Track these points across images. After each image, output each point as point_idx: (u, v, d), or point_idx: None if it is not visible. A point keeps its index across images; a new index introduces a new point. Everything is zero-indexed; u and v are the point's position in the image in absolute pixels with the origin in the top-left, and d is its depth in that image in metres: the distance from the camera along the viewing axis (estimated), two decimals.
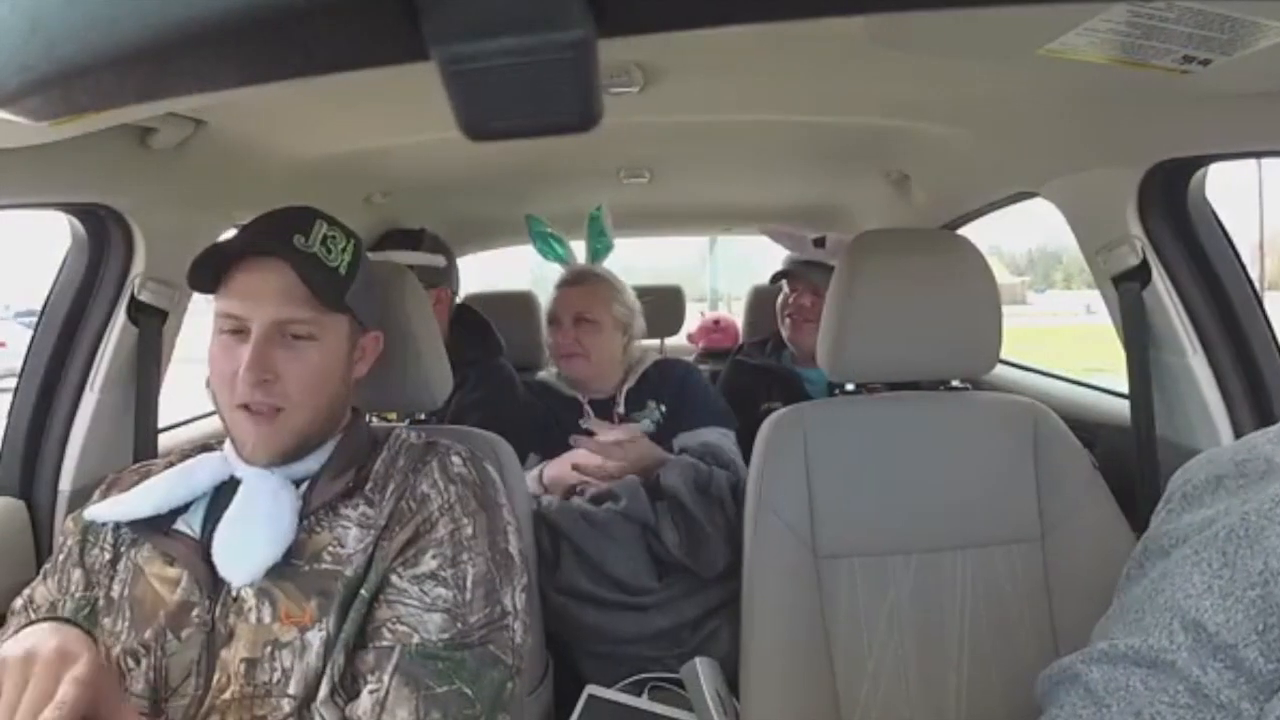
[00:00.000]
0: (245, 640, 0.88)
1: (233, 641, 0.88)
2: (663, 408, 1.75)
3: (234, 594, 0.90)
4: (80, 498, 1.03)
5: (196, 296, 1.42)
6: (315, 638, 0.87)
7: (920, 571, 1.21)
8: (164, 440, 1.50)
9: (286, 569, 0.90)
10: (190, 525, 0.96)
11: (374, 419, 1.29)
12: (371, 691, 0.84)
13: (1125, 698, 0.63)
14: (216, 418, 0.99)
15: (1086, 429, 1.54)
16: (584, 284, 1.84)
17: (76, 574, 0.95)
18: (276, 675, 0.87)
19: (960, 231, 1.99)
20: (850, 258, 1.29)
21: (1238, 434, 1.26)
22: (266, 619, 0.88)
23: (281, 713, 0.86)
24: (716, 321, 3.33)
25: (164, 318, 1.41)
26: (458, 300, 2.09)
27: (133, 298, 1.36)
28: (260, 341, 0.92)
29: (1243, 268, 1.31)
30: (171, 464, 1.03)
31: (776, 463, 1.25)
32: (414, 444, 1.04)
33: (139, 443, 1.42)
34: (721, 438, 1.67)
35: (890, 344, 1.27)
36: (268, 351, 0.92)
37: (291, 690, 0.86)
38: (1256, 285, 1.31)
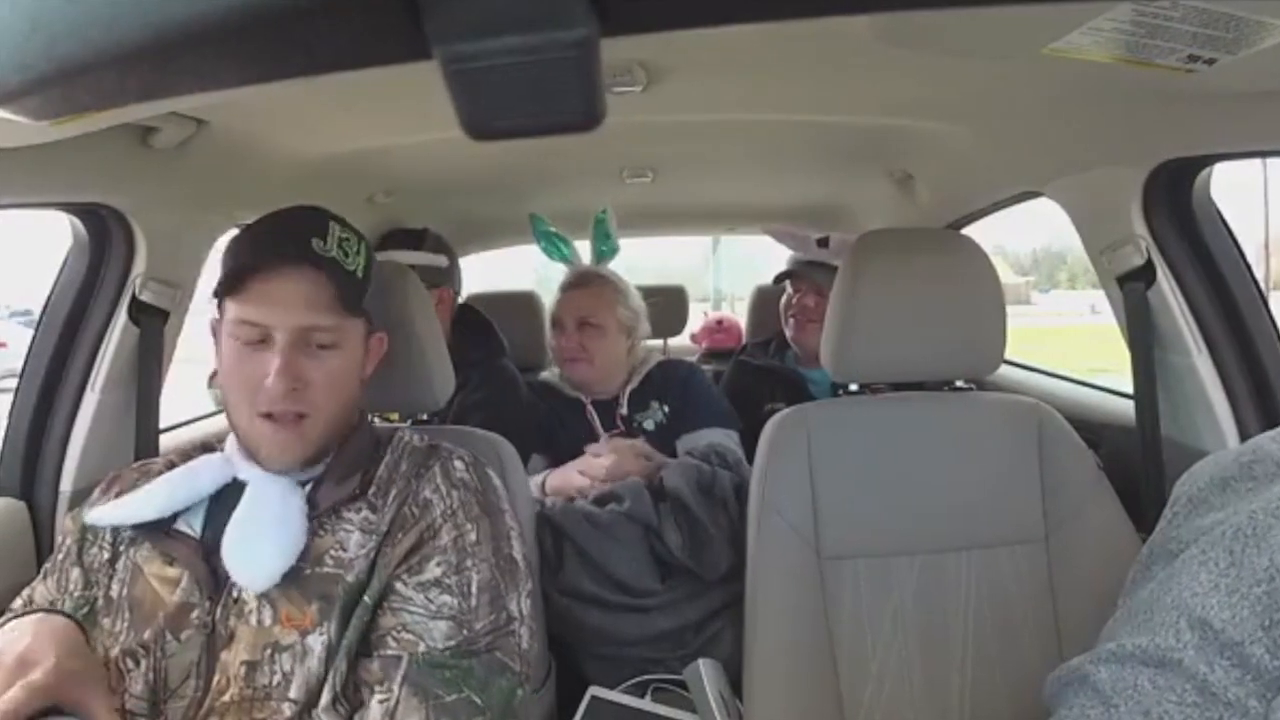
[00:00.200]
0: (245, 642, 0.88)
1: (233, 644, 0.88)
2: (666, 409, 1.75)
3: (235, 596, 0.90)
4: (81, 498, 1.03)
5: (198, 296, 1.42)
6: (316, 642, 0.87)
7: (924, 572, 1.20)
8: (165, 441, 1.50)
9: (289, 571, 0.90)
10: (191, 525, 0.95)
11: (376, 419, 1.29)
12: (381, 701, 0.84)
13: (1133, 697, 0.63)
14: (217, 418, 0.98)
15: (1091, 429, 1.54)
16: (588, 287, 1.82)
17: (75, 573, 0.95)
18: (277, 679, 0.86)
19: (964, 231, 1.99)
20: (854, 257, 1.29)
21: (1243, 434, 1.25)
22: (267, 621, 0.88)
23: (282, 716, 0.85)
24: (720, 322, 3.32)
25: (165, 318, 1.41)
26: (460, 300, 2.08)
27: (134, 298, 1.36)
28: (288, 349, 0.91)
29: (1248, 267, 1.30)
30: (172, 463, 1.03)
31: (780, 463, 1.24)
32: (417, 447, 1.04)
33: (140, 443, 1.41)
34: (725, 438, 1.67)
35: (894, 344, 1.26)
36: (295, 359, 0.92)
37: (293, 694, 0.86)
38: (1262, 285, 1.30)
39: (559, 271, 1.96)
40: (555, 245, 1.98)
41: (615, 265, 1.97)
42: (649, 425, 1.73)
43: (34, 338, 1.38)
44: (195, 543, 0.94)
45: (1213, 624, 0.61)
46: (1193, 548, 0.67)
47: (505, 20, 0.29)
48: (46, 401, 1.36)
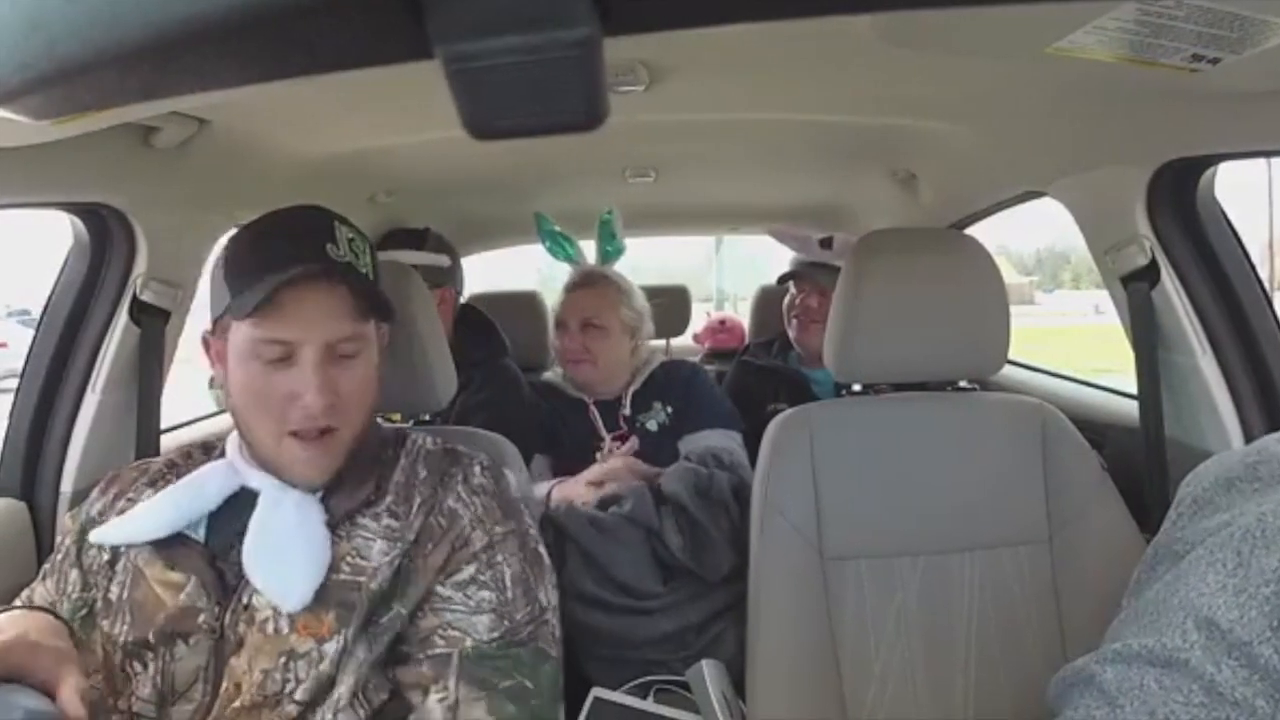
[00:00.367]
0: (259, 650, 0.86)
1: (243, 649, 0.87)
2: (669, 409, 1.74)
3: (245, 602, 0.88)
4: (82, 499, 1.03)
5: (199, 296, 1.42)
6: (331, 648, 0.86)
7: (927, 573, 1.20)
8: (166, 441, 1.50)
9: None
10: (194, 530, 0.94)
11: (380, 420, 1.29)
12: (440, 699, 0.85)
13: (1139, 697, 0.63)
14: (218, 418, 0.97)
15: (1095, 430, 1.53)
16: (592, 288, 1.82)
17: (74, 574, 0.94)
18: (290, 685, 0.85)
19: (967, 231, 1.98)
20: (857, 257, 1.29)
21: (1247, 435, 1.25)
22: (284, 629, 0.87)
23: (290, 717, 0.85)
24: (722, 322, 3.32)
25: (166, 318, 1.41)
26: (462, 300, 2.08)
27: (135, 298, 1.36)
28: (321, 365, 0.89)
29: (1252, 268, 1.30)
30: (173, 463, 1.02)
31: (783, 464, 1.24)
32: (432, 450, 1.03)
33: (141, 443, 1.41)
34: (726, 440, 1.66)
35: (897, 344, 1.26)
36: (327, 373, 0.89)
37: (299, 697, 0.85)
38: (1266, 285, 1.30)
39: (562, 271, 1.96)
40: (560, 245, 1.97)
41: (619, 264, 1.96)
42: (651, 426, 1.72)
43: (34, 338, 1.38)
44: (200, 548, 0.92)
45: (1220, 624, 0.61)
46: (1199, 548, 0.67)
47: (507, 19, 0.29)
48: (47, 402, 1.36)
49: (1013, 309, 1.31)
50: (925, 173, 1.96)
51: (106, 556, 0.94)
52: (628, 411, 1.75)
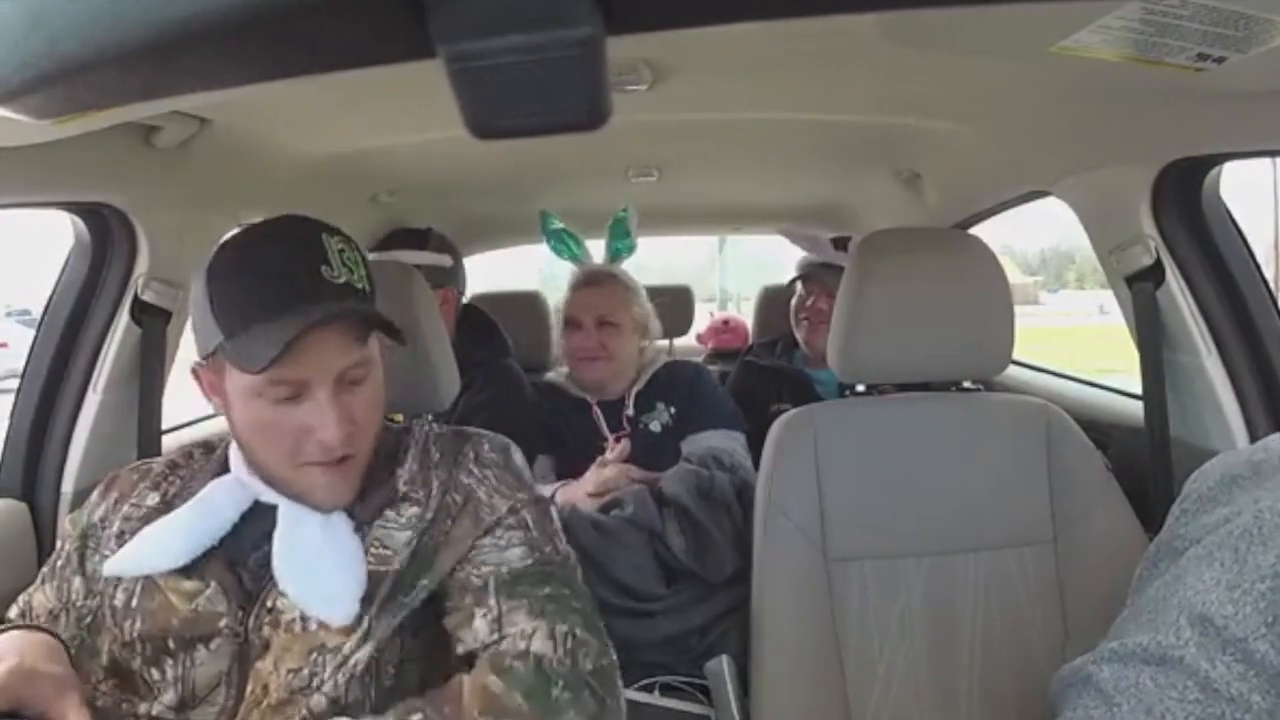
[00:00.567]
0: (286, 650, 0.85)
1: (268, 652, 0.86)
2: (672, 410, 1.74)
3: (270, 605, 0.87)
4: (83, 500, 1.02)
5: None
6: (356, 633, 0.86)
7: (932, 574, 1.20)
8: (168, 441, 1.49)
9: None
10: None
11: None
12: (484, 615, 0.86)
13: (1135, 695, 0.63)
14: (221, 419, 0.95)
15: (1100, 430, 1.53)
16: (604, 285, 1.82)
17: (77, 582, 0.93)
18: (317, 680, 0.85)
19: (972, 231, 1.98)
20: (860, 257, 1.28)
21: (1252, 435, 1.25)
22: (313, 626, 0.86)
23: (319, 707, 0.84)
24: (726, 322, 3.32)
25: (168, 318, 1.41)
26: (464, 300, 2.08)
27: (136, 298, 1.36)
28: (333, 397, 0.86)
29: (1258, 268, 1.30)
30: (174, 463, 1.00)
31: (786, 464, 1.24)
32: (441, 433, 1.03)
33: (142, 444, 1.41)
34: (728, 441, 1.66)
35: (901, 344, 1.26)
36: (341, 403, 0.87)
37: (327, 689, 0.84)
38: (1272, 285, 1.30)
39: (564, 270, 1.95)
40: (565, 243, 1.97)
41: (623, 264, 1.96)
42: (655, 427, 1.72)
43: (35, 338, 1.37)
44: (219, 553, 0.90)
45: (1214, 620, 0.61)
46: (1198, 546, 0.67)
47: (510, 19, 0.28)
48: (48, 402, 1.36)
49: (1017, 309, 1.30)
50: (929, 172, 1.96)
51: None
52: (631, 412, 1.75)
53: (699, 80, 1.28)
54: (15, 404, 1.36)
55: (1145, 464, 1.35)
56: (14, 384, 1.38)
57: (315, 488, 0.89)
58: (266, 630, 0.87)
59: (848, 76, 1.26)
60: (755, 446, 1.46)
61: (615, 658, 0.91)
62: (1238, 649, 0.60)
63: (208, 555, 0.90)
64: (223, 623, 0.87)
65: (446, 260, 1.92)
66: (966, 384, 1.33)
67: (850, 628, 1.17)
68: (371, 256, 0.99)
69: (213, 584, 0.88)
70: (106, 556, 0.92)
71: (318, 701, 0.85)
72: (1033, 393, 1.57)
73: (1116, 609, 0.74)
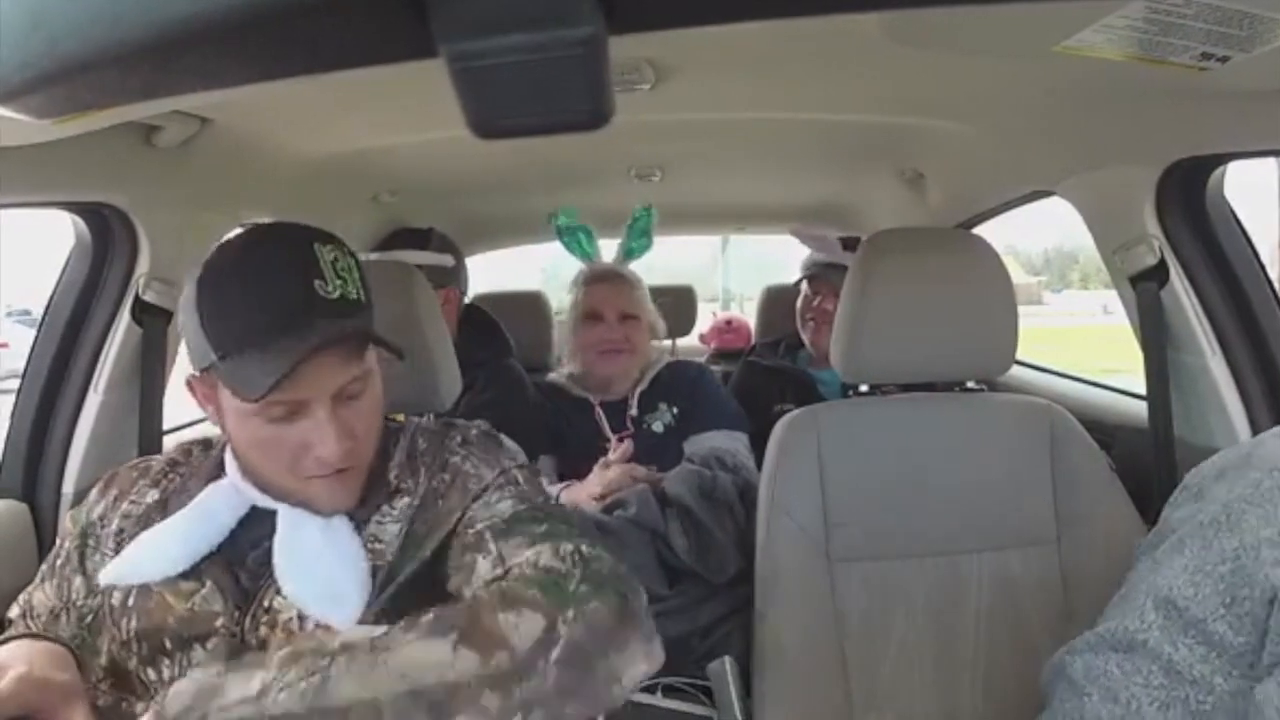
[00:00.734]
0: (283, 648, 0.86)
1: (265, 651, 0.85)
2: (675, 410, 1.74)
3: (267, 605, 0.87)
4: (83, 499, 1.02)
5: None
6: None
7: (935, 574, 1.20)
8: (169, 441, 1.49)
9: None
10: None
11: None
12: (485, 556, 0.85)
13: (1103, 684, 0.66)
14: None
15: (1104, 430, 1.53)
16: (622, 281, 1.85)
17: (78, 581, 0.93)
18: None
19: (975, 231, 1.98)
20: (864, 257, 1.28)
21: (1256, 435, 1.24)
22: (310, 625, 0.86)
23: None
24: (729, 322, 3.32)
25: (169, 318, 1.40)
26: (466, 300, 2.08)
27: (137, 297, 1.35)
28: (334, 414, 0.85)
29: (1262, 268, 1.30)
30: (174, 460, 1.00)
31: (789, 465, 1.24)
32: (427, 425, 1.03)
33: (143, 444, 1.41)
34: (731, 441, 1.66)
35: (904, 344, 1.26)
36: (341, 418, 0.86)
37: None
38: (1276, 285, 1.29)
39: (567, 271, 1.96)
40: (579, 241, 1.97)
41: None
42: (658, 427, 1.72)
43: (36, 338, 1.37)
44: (215, 555, 0.90)
45: (1177, 603, 0.63)
46: (1173, 535, 0.69)
47: (512, 18, 0.28)
48: (49, 402, 1.35)
49: (1021, 309, 1.30)
50: (932, 172, 1.95)
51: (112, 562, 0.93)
52: (634, 412, 1.75)
53: (701, 80, 1.28)
54: (16, 404, 1.35)
55: (1149, 464, 1.35)
56: (14, 384, 1.38)
57: (317, 497, 0.89)
58: (263, 630, 0.86)
59: (850, 76, 1.26)
60: (758, 447, 1.45)
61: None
62: (1198, 630, 0.61)
63: (205, 556, 0.90)
64: (219, 622, 0.87)
65: (448, 260, 1.92)
66: (970, 384, 1.33)
67: (853, 629, 1.17)
68: (373, 256, 0.99)
69: (209, 584, 0.88)
70: (106, 555, 0.92)
71: None
72: (1036, 393, 1.57)
73: None
